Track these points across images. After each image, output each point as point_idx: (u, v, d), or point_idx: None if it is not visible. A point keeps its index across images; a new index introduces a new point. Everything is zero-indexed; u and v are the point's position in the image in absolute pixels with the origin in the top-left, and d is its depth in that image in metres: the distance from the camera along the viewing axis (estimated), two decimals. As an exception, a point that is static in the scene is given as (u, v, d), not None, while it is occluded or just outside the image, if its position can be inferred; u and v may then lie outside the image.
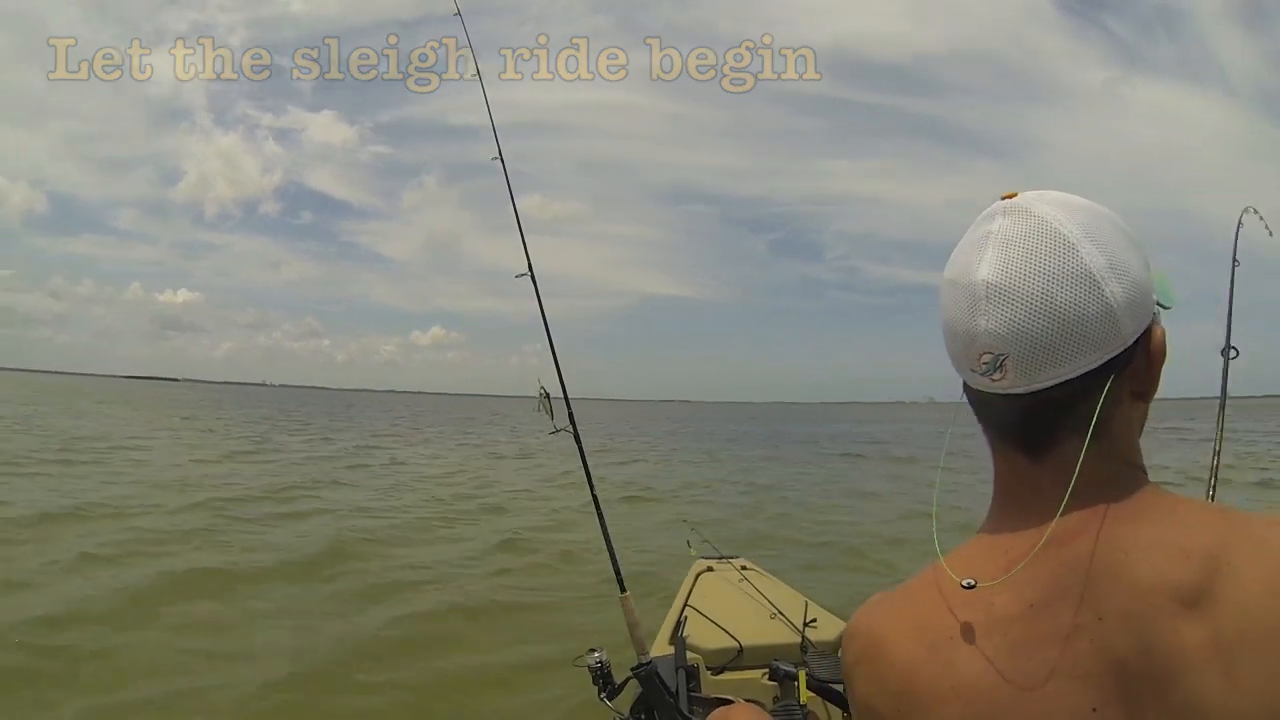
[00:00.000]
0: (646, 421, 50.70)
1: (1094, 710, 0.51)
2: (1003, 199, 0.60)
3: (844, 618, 2.62)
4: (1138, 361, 0.57)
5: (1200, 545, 0.51)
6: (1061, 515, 0.55)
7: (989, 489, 0.64)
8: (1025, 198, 0.58)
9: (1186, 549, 0.51)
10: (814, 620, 2.40)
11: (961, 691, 0.54)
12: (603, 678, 1.69)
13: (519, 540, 7.62)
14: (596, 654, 1.70)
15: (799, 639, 2.25)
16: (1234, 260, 1.56)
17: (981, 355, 0.57)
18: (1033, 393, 0.56)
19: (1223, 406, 1.58)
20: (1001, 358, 0.55)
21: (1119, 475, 0.57)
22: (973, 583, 0.55)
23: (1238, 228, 1.60)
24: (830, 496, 11.97)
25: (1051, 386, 0.55)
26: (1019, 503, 0.59)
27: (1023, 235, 0.56)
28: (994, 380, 0.57)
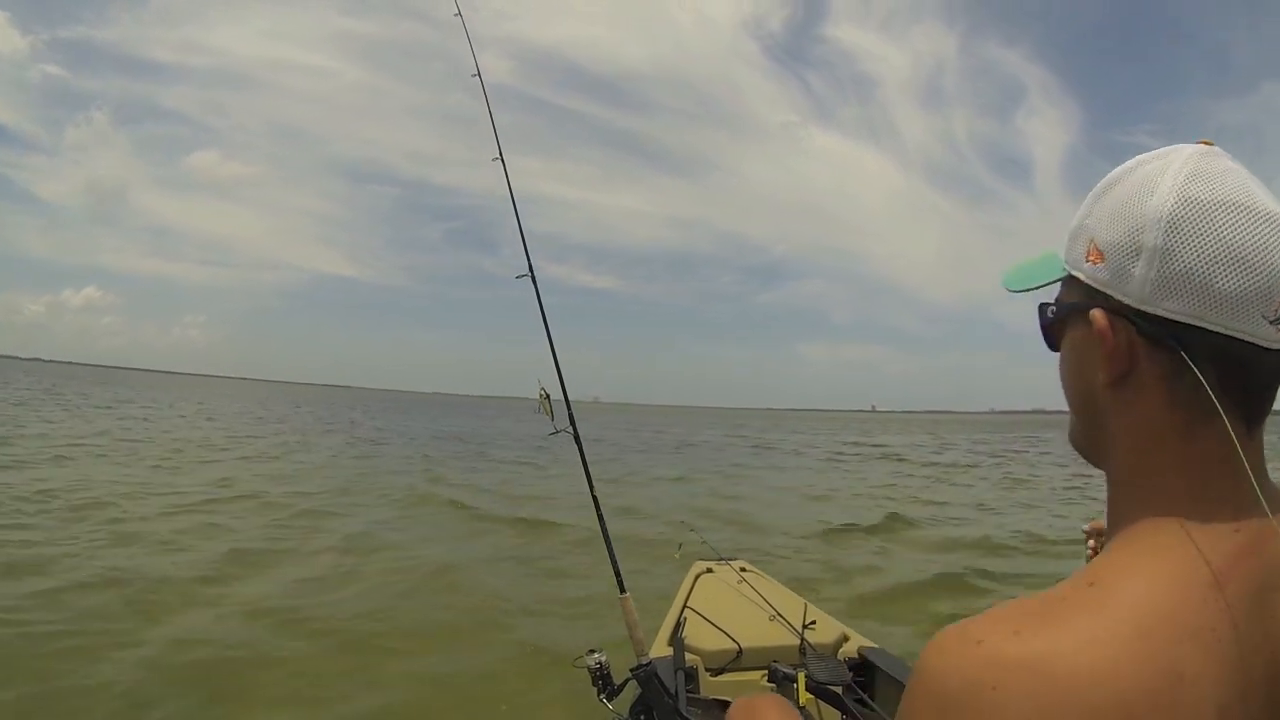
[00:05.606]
0: (285, 408, 43.46)
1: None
2: (1201, 143, 0.52)
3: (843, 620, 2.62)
4: None
5: None
6: (1262, 509, 0.48)
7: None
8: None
9: None
10: (813, 622, 2.40)
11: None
12: (602, 679, 1.69)
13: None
14: (596, 655, 1.70)
15: (798, 641, 2.25)
16: None
17: None
18: None
19: None
20: None
21: None
22: None
23: None
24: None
25: None
26: (1220, 489, 0.49)
27: None
28: None
